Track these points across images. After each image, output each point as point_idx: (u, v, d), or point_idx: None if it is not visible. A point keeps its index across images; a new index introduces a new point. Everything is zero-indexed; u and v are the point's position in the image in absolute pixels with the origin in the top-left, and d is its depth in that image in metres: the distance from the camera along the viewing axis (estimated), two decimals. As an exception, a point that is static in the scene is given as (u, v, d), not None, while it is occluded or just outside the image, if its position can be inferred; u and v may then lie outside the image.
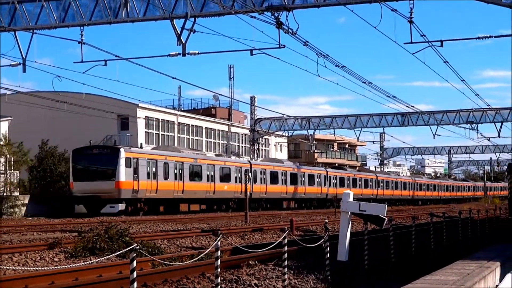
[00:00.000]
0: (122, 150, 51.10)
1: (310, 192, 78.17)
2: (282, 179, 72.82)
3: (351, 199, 20.91)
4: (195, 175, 58.84)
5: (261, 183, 68.97)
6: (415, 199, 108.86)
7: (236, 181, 64.08)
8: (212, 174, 60.85)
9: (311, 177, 78.56)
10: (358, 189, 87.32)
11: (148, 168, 52.73)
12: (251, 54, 34.14)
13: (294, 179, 74.96)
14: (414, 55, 34.04)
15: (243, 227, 37.71)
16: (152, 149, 59.88)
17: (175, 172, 56.04)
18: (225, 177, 63.10)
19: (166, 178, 54.17)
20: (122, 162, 50.18)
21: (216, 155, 72.50)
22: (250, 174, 60.45)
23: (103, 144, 60.45)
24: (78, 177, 51.04)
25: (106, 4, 34.37)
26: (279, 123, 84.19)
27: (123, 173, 50.01)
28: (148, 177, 52.52)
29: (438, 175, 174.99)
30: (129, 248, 10.85)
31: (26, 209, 52.91)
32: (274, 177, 71.49)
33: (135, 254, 10.78)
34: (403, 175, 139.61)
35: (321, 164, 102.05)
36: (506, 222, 40.53)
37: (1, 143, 54.87)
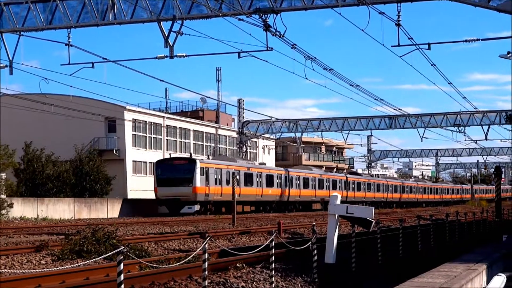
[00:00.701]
0: (197, 161, 61.03)
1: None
2: (312, 184, 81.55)
3: (338, 201, 20.93)
4: (248, 181, 68.23)
5: (296, 188, 77.35)
6: (403, 202, 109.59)
7: (277, 186, 73.28)
8: (260, 180, 70.13)
9: (334, 182, 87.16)
10: (371, 192, 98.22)
11: (215, 175, 62.37)
12: (239, 57, 34.13)
13: (321, 184, 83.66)
14: (401, 58, 34.11)
15: (231, 229, 37.68)
16: (212, 159, 69.83)
17: (247, 179, 67.96)
18: (270, 183, 71.91)
19: (227, 183, 61.77)
20: (197, 171, 59.79)
21: (260, 163, 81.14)
22: (279, 180, 73.34)
23: (91, 147, 61.17)
24: (161, 184, 60.12)
25: (94, 7, 34.25)
26: (267, 125, 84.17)
27: (199, 180, 59.62)
28: (215, 183, 62.14)
29: (426, 177, 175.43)
30: (116, 250, 10.82)
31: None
32: (305, 183, 79.94)
33: (122, 257, 10.75)
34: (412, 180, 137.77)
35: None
36: (493, 224, 40.65)
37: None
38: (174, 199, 58.79)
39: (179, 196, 58.76)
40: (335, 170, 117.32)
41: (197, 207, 59.51)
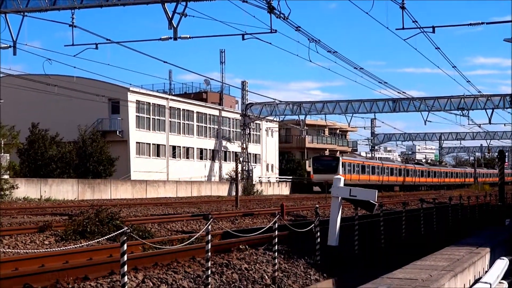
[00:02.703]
0: (340, 158, 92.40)
1: (408, 180, 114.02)
2: (395, 173, 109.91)
3: (341, 184, 20.93)
4: (373, 171, 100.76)
5: (394, 175, 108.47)
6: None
7: (392, 175, 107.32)
8: (380, 171, 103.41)
9: (406, 171, 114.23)
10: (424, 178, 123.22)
11: (350, 167, 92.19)
12: (243, 39, 33.98)
13: (400, 172, 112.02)
14: (405, 41, 33.96)
15: (234, 211, 37.75)
16: (347, 156, 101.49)
17: (366, 170, 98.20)
18: (386, 172, 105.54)
19: (362, 173, 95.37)
20: (340, 164, 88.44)
21: (369, 158, 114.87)
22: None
23: (94, 128, 61.47)
24: (316, 172, 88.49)
25: (98, -13, 34.09)
26: (270, 108, 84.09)
27: (341, 170, 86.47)
28: (353, 172, 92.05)
29: (429, 161, 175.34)
30: (119, 231, 10.82)
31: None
32: (392, 172, 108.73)
33: (125, 238, 10.76)
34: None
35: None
36: (496, 208, 40.65)
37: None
38: (324, 181, 78.26)
39: (328, 180, 66.56)
40: (338, 152, 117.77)
41: None
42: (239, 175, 57.72)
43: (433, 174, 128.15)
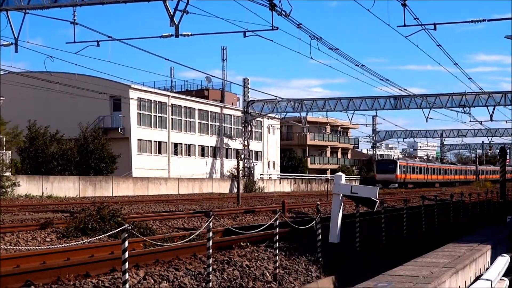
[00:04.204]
0: (398, 161, 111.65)
1: (445, 178, 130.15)
2: (436, 172, 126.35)
3: (343, 181, 20.92)
4: (420, 171, 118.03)
5: (435, 174, 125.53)
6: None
7: (433, 174, 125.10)
8: (425, 171, 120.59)
9: (445, 170, 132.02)
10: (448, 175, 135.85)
11: (404, 168, 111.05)
12: (244, 36, 34.05)
13: (440, 172, 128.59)
14: (407, 38, 33.99)
15: (235, 208, 37.74)
16: (402, 159, 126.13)
17: (416, 170, 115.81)
18: (433, 172, 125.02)
19: (419, 173, 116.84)
20: (398, 166, 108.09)
21: (422, 160, 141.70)
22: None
23: (96, 125, 61.64)
24: (379, 172, 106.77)
25: (99, -16, 34.09)
26: (272, 105, 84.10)
27: (399, 170, 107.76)
28: (405, 172, 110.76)
29: (430, 158, 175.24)
30: (120, 228, 10.82)
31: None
32: (433, 171, 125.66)
33: (126, 235, 10.76)
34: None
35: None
36: (497, 205, 40.64)
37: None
38: (385, 180, 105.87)
39: (388, 179, 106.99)
40: (340, 151, 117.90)
41: (396, 185, 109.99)
42: (241, 172, 58.01)
43: (464, 172, 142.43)
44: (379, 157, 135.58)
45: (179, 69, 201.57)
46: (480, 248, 18.54)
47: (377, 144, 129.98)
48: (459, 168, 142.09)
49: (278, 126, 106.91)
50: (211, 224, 13.52)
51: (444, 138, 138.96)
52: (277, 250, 15.88)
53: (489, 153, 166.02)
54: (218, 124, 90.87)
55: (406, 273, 13.52)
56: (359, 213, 21.19)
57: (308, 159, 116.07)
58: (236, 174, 59.50)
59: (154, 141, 78.29)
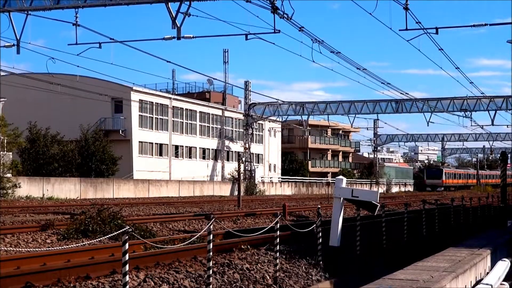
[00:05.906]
0: (443, 169, 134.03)
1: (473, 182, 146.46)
2: (471, 177, 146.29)
3: (344, 185, 20.92)
4: (459, 177, 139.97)
5: (471, 179, 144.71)
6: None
7: (469, 178, 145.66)
8: (464, 176, 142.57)
9: (479, 175, 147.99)
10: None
11: (449, 174, 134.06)
12: (246, 39, 34.00)
13: (474, 177, 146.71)
14: (409, 42, 33.98)
15: (236, 211, 37.75)
16: (446, 167, 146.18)
17: (457, 176, 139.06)
18: (469, 177, 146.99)
19: (459, 178, 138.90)
20: (443, 173, 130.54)
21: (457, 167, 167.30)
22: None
23: (97, 127, 62.11)
24: (428, 177, 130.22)
25: (101, -14, 34.10)
26: (273, 108, 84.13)
27: (444, 176, 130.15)
28: (449, 178, 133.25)
29: (432, 162, 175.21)
30: (121, 230, 10.82)
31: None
32: (465, 176, 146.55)
33: (127, 237, 10.76)
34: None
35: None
36: (498, 209, 40.57)
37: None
38: (433, 185, 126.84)
39: (436, 184, 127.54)
40: (341, 153, 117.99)
41: (442, 188, 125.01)
42: (242, 175, 58.03)
43: (493, 177, 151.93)
44: (380, 161, 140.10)
45: (180, 71, 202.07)
46: (480, 252, 18.53)
47: (378, 148, 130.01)
48: (488, 173, 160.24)
49: (279, 129, 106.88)
50: (211, 226, 13.52)
51: (445, 142, 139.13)
52: (278, 253, 15.88)
53: (490, 157, 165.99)
54: (220, 126, 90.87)
55: (407, 277, 13.53)
56: (359, 216, 21.18)
57: (309, 162, 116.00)
58: (237, 176, 59.53)
59: (155, 143, 78.30)
